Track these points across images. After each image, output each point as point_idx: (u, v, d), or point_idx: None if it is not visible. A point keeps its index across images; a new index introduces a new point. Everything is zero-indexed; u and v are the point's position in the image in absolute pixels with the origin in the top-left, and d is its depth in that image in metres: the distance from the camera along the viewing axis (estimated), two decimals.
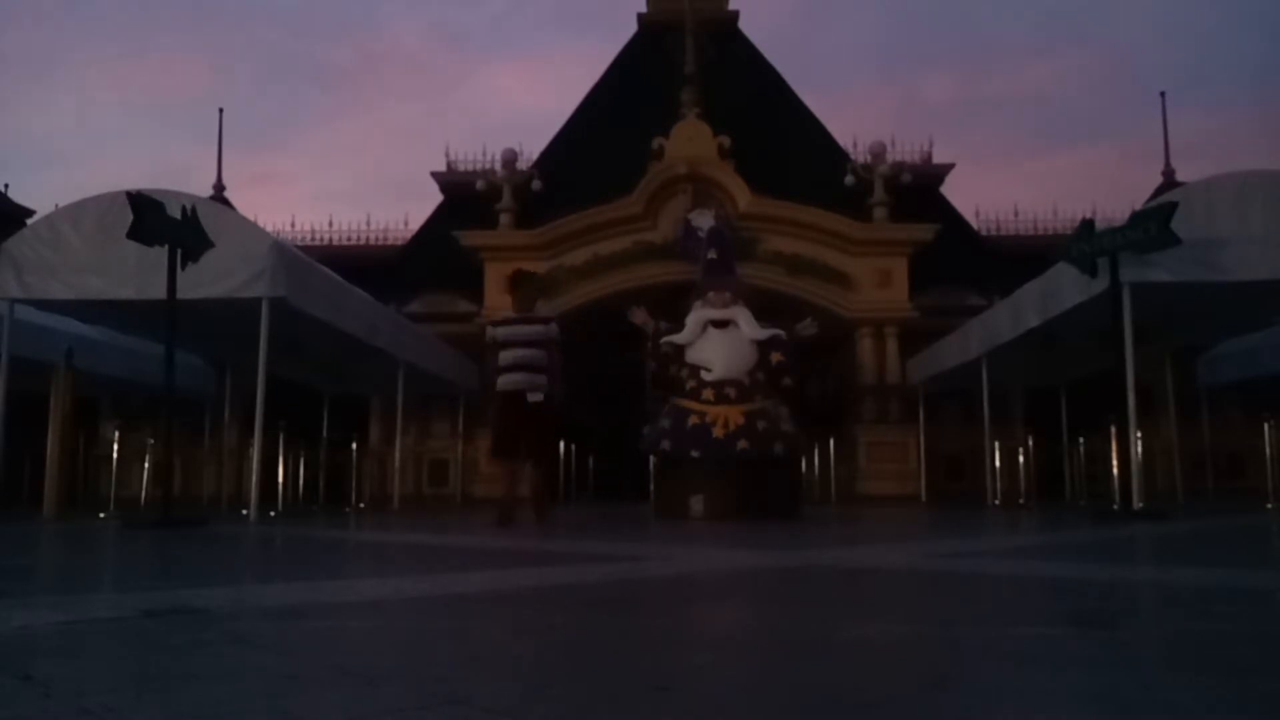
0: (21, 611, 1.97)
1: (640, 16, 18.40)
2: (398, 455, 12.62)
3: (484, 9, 60.89)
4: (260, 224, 10.22)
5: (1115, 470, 8.59)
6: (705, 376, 8.45)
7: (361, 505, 12.06)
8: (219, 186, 17.44)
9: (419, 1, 58.84)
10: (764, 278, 13.89)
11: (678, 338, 8.71)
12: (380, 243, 18.39)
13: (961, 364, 12.20)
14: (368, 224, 18.65)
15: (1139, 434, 7.95)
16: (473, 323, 15.41)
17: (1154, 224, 7.12)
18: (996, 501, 11.78)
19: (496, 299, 15.14)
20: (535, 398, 6.87)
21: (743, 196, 15.04)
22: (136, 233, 6.49)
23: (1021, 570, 3.08)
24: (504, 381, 6.98)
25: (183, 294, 6.75)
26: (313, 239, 18.10)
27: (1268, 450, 10.23)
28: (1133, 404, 7.39)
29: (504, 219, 15.84)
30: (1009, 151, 55.20)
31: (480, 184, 16.29)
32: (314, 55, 60.01)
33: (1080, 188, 63.52)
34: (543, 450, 7.23)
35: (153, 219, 6.55)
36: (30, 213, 15.35)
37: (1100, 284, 7.50)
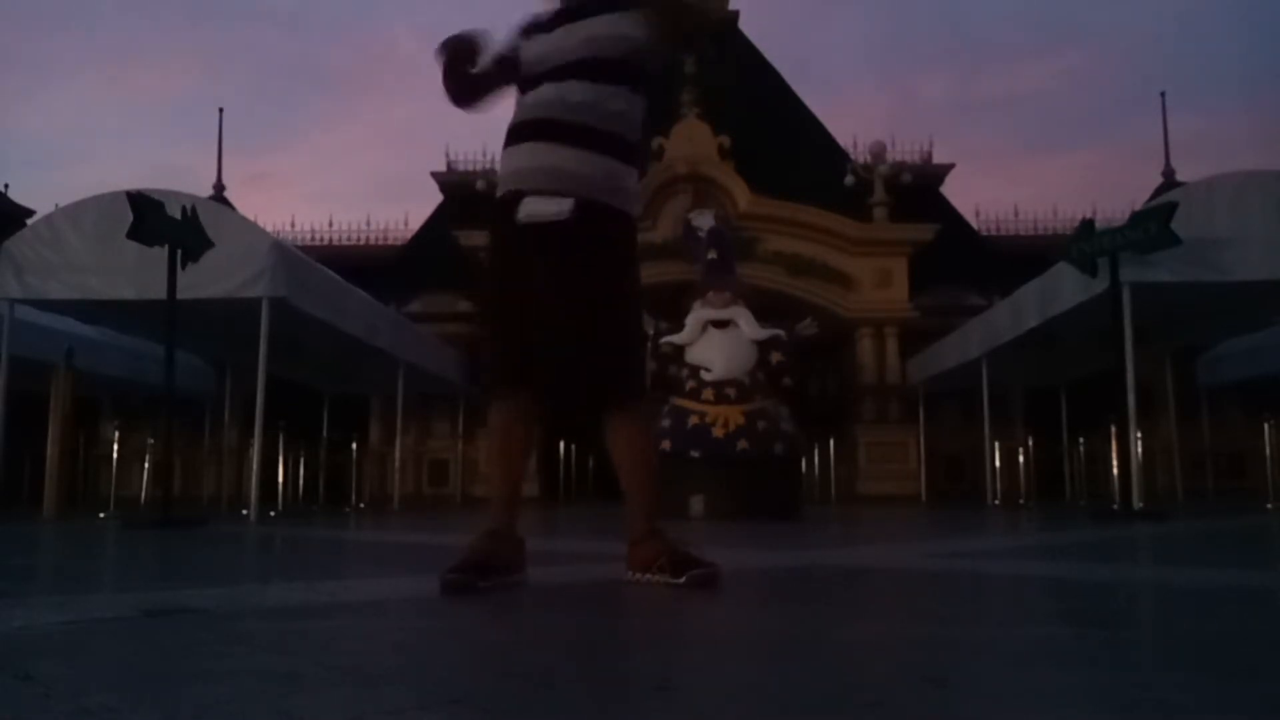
0: (21, 611, 1.97)
1: None
2: (398, 455, 12.61)
3: (481, 9, 60.88)
4: (260, 224, 10.23)
5: (1115, 470, 8.60)
6: (705, 376, 8.46)
7: (361, 505, 12.05)
8: (219, 186, 17.45)
9: (416, 3, 58.86)
10: (764, 278, 13.90)
11: (677, 338, 8.72)
12: (380, 243, 18.41)
13: (961, 364, 12.21)
14: (368, 224, 18.73)
15: (1139, 434, 7.95)
16: (473, 323, 15.41)
17: (1154, 224, 7.13)
18: (996, 501, 11.78)
19: None
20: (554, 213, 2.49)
21: (743, 196, 15.04)
22: (136, 233, 6.50)
23: (1021, 570, 3.08)
24: (515, 174, 2.58)
25: (183, 294, 6.76)
26: (313, 239, 18.13)
27: (1268, 450, 10.22)
28: (1133, 404, 7.39)
29: None
30: (1009, 151, 55.25)
31: (480, 184, 16.26)
32: (313, 56, 60.09)
33: (1080, 188, 63.58)
34: (622, 378, 2.65)
35: (153, 219, 6.56)
36: (30, 213, 15.35)
37: (1100, 284, 7.50)
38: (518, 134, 2.58)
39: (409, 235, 18.22)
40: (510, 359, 2.58)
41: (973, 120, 55.79)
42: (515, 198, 2.53)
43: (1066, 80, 57.79)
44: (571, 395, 2.72)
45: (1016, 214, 18.56)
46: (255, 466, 7.99)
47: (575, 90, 2.53)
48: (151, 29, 58.72)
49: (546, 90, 2.55)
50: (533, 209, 2.49)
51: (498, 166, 2.65)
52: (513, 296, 2.56)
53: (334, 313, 9.10)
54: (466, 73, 2.62)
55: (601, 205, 2.52)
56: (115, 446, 10.25)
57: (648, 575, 2.49)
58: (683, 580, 2.40)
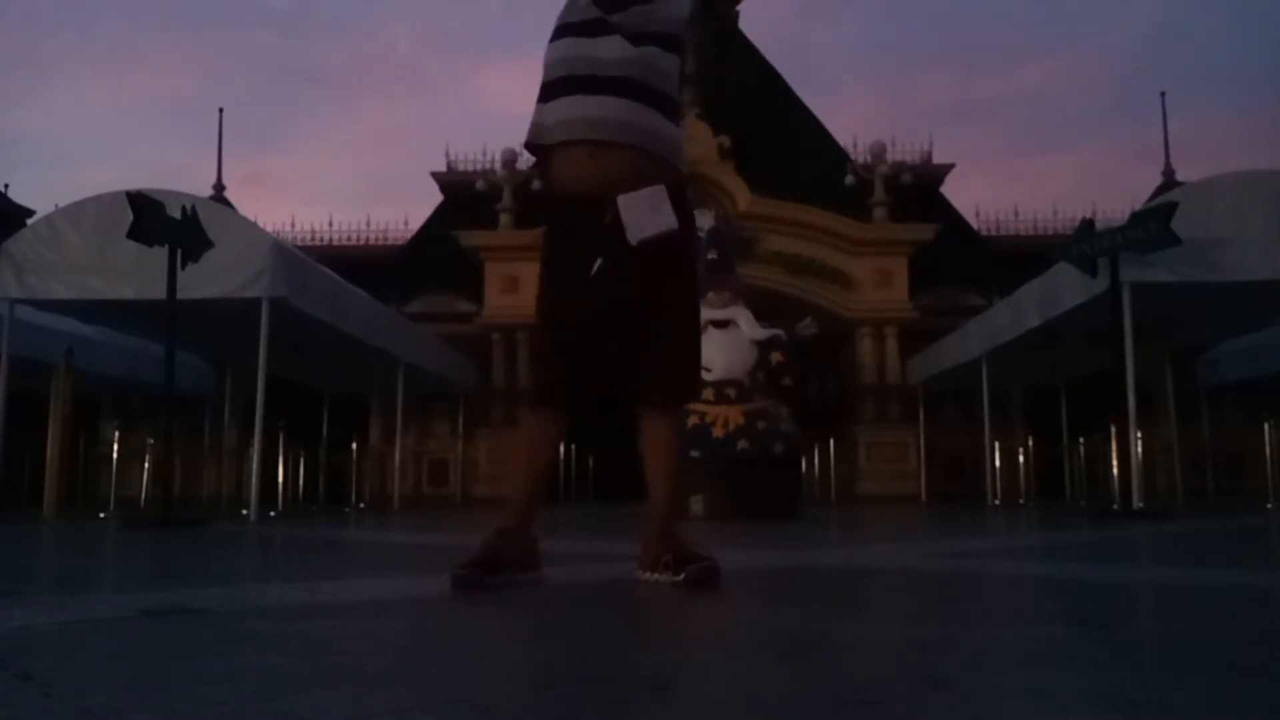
0: (21, 611, 1.97)
1: None
2: (398, 455, 12.62)
3: (479, 10, 60.95)
4: (260, 224, 10.23)
5: (1115, 470, 8.60)
6: (705, 377, 8.45)
7: (361, 505, 12.06)
8: (219, 186, 17.45)
9: (413, 3, 58.89)
10: (764, 278, 13.90)
11: None
12: (380, 243, 18.41)
13: (961, 364, 12.21)
14: (368, 224, 18.73)
15: (1139, 434, 7.95)
16: (472, 323, 15.42)
17: (1154, 224, 7.13)
18: (997, 501, 11.78)
19: (497, 299, 15.15)
20: (655, 226, 2.42)
21: (743, 196, 15.04)
22: (136, 233, 6.50)
23: (1021, 570, 3.08)
24: (580, 123, 2.47)
25: (183, 294, 6.76)
26: (313, 239, 18.13)
27: (1268, 450, 10.22)
28: (1133, 404, 7.39)
29: (504, 219, 15.85)
30: (1009, 151, 55.26)
31: (480, 184, 16.30)
32: (311, 57, 60.10)
33: (1080, 188, 63.62)
34: (682, 385, 2.67)
35: (153, 219, 6.56)
36: (30, 213, 15.34)
37: (1100, 284, 7.50)
38: (585, 85, 2.48)
39: (409, 235, 18.22)
40: (558, 378, 2.57)
41: (972, 120, 55.84)
42: (572, 145, 2.46)
43: (1066, 80, 57.83)
44: (625, 392, 2.61)
45: (1016, 214, 18.57)
46: (255, 466, 7.99)
47: (654, 54, 2.51)
48: (151, 29, 58.72)
49: (619, 45, 2.49)
50: (643, 231, 2.42)
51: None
52: (575, 305, 2.52)
53: (334, 313, 9.10)
54: None
55: (673, 191, 2.49)
56: (115, 446, 10.25)
57: (654, 574, 2.48)
58: (682, 577, 2.39)
